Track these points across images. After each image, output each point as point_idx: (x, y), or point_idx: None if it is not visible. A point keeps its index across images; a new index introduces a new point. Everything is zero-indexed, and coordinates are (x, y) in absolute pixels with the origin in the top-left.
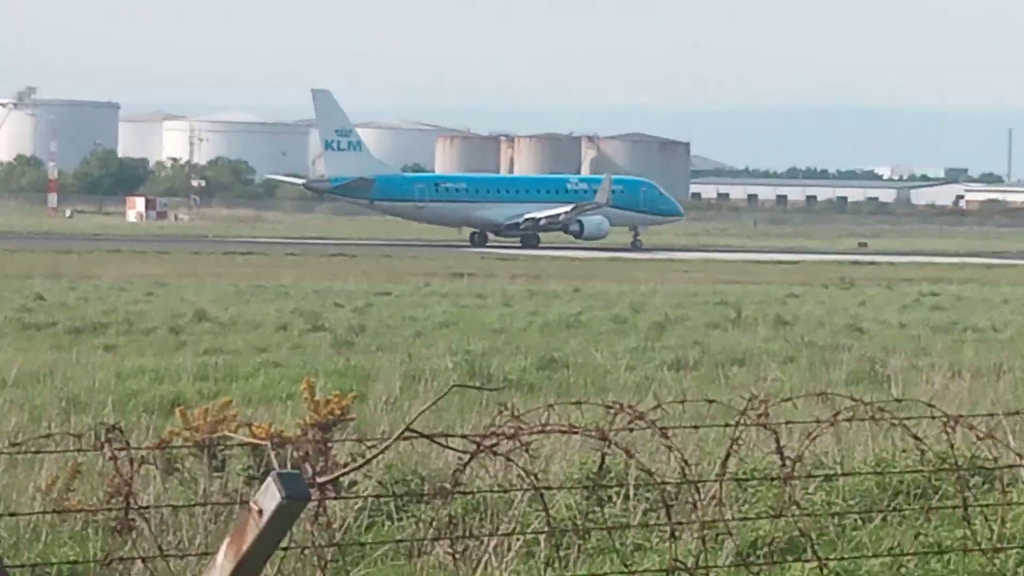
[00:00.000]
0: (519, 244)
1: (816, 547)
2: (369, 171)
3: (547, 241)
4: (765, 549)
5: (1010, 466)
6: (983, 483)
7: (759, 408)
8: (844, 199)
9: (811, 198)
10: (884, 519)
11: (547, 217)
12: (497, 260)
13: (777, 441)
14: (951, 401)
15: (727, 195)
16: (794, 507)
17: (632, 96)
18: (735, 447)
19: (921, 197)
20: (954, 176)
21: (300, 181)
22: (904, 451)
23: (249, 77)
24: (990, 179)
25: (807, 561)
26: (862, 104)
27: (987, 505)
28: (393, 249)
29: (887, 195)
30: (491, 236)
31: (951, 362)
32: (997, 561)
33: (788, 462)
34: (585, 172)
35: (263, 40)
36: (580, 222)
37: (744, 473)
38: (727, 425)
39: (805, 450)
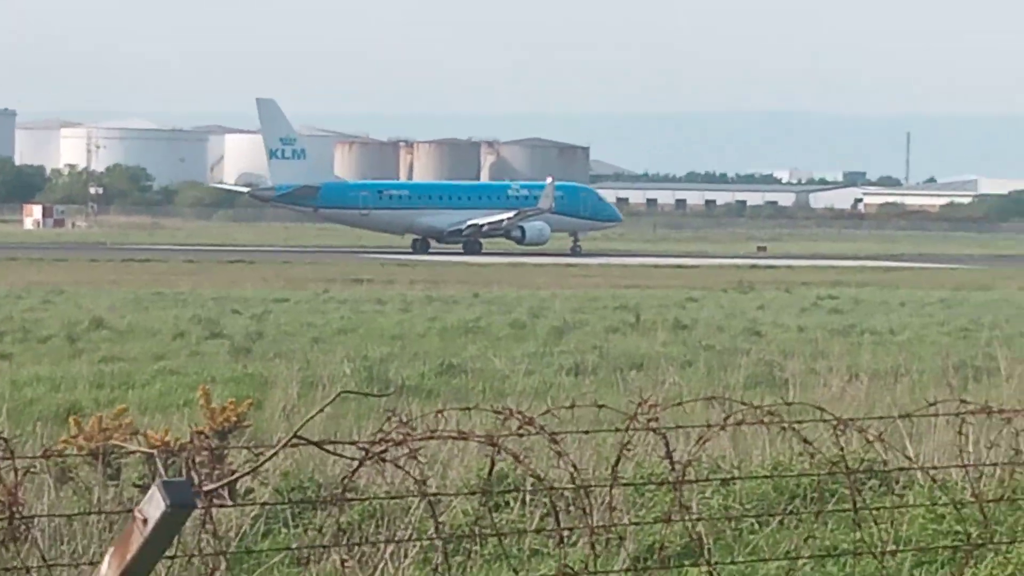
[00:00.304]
0: (461, 250)
1: (712, 551)
2: (313, 179)
3: (490, 247)
4: (661, 554)
5: (901, 469)
6: (879, 486)
7: (650, 413)
8: (743, 203)
9: (710, 202)
10: (780, 523)
11: (490, 223)
12: (397, 266)
13: (667, 445)
14: (848, 404)
15: (626, 199)
16: (687, 511)
17: (532, 101)
18: (627, 452)
19: (820, 201)
20: (852, 180)
21: (245, 189)
22: (800, 455)
23: (147, 84)
24: (888, 182)
25: (702, 565)
26: (760, 108)
27: (880, 508)
28: (292, 255)
29: (786, 199)
30: (433, 243)
31: (849, 365)
32: (892, 563)
33: (678, 466)
34: (484, 178)
35: (162, 46)
36: (522, 228)
37: (641, 478)
38: (617, 430)
39: (698, 454)
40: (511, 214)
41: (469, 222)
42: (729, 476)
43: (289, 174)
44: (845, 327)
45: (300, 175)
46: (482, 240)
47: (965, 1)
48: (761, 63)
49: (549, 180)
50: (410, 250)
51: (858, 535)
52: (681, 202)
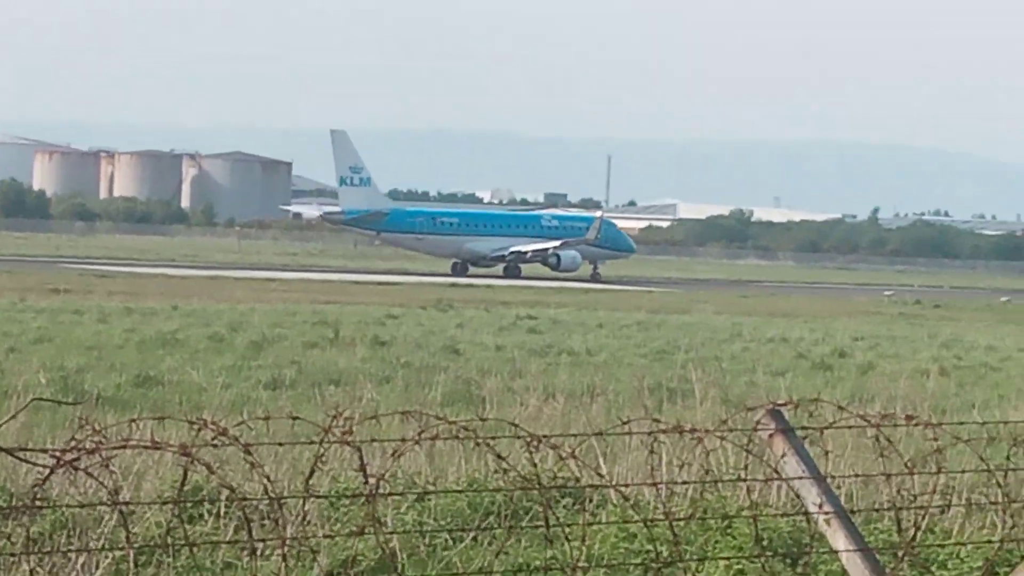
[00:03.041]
0: (501, 274)
1: (405, 566)
2: (376, 205)
3: (528, 271)
4: (356, 569)
5: (593, 486)
6: (573, 504)
7: (345, 426)
8: None
9: None
10: (474, 539)
11: (534, 251)
12: (95, 277)
13: (361, 459)
14: (545, 423)
15: None
16: (382, 526)
17: (236, 115)
18: (321, 465)
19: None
20: (553, 200)
21: (317, 214)
22: (495, 472)
23: None
24: (589, 204)
25: None
26: (464, 128)
27: (572, 525)
28: None
29: None
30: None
31: (546, 384)
32: None
33: (373, 480)
34: (187, 190)
35: None
36: (558, 256)
37: (335, 491)
38: (312, 443)
39: (393, 468)
40: (556, 243)
41: (511, 249)
42: (424, 491)
43: (356, 200)
44: (543, 347)
45: (365, 201)
46: (521, 265)
47: (666, 28)
48: (466, 82)
49: (599, 214)
50: (449, 272)
51: (550, 552)
52: None
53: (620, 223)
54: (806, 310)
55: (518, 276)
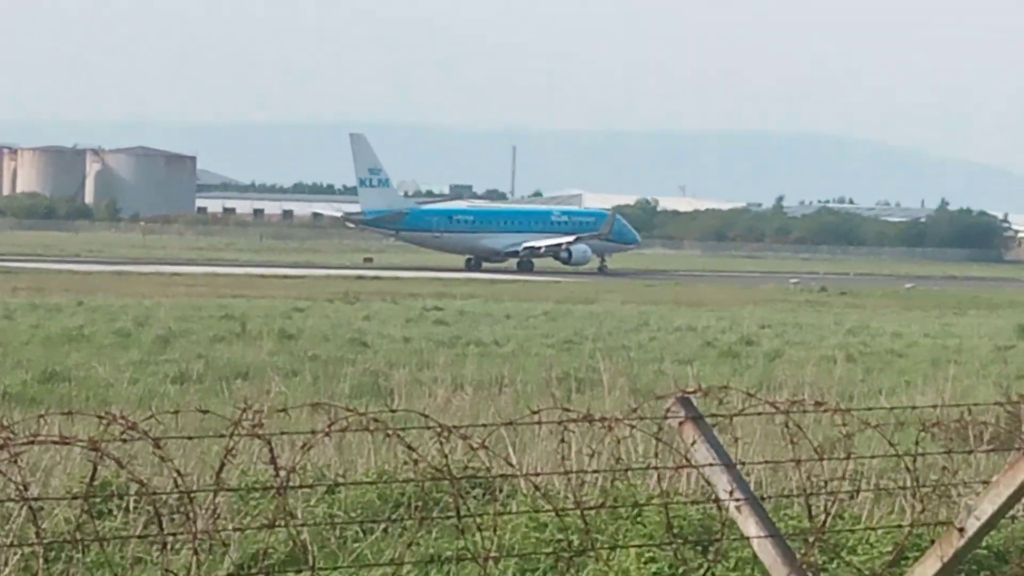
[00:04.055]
0: (516, 269)
1: (316, 558)
2: (394, 205)
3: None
4: (267, 562)
5: (503, 476)
6: (483, 494)
7: (254, 419)
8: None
9: (317, 214)
10: (385, 530)
11: (547, 246)
12: (0, 273)
13: (271, 451)
14: (454, 414)
15: (233, 210)
16: (292, 518)
17: (139, 109)
18: (231, 458)
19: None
20: (458, 192)
21: (339, 214)
22: (405, 463)
23: None
24: (495, 196)
25: (306, 572)
26: (371, 120)
27: (483, 515)
28: None
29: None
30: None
31: (454, 376)
32: (495, 571)
33: (283, 473)
34: (90, 185)
35: None
36: (569, 250)
37: (245, 485)
38: (221, 436)
39: (303, 461)
40: (570, 238)
41: (525, 244)
42: (334, 483)
43: (376, 200)
44: (451, 338)
45: (383, 201)
46: (534, 260)
47: (571, 18)
48: (373, 74)
49: (611, 211)
50: (463, 268)
51: (461, 543)
52: (288, 213)
53: None
54: (713, 299)
55: (531, 270)
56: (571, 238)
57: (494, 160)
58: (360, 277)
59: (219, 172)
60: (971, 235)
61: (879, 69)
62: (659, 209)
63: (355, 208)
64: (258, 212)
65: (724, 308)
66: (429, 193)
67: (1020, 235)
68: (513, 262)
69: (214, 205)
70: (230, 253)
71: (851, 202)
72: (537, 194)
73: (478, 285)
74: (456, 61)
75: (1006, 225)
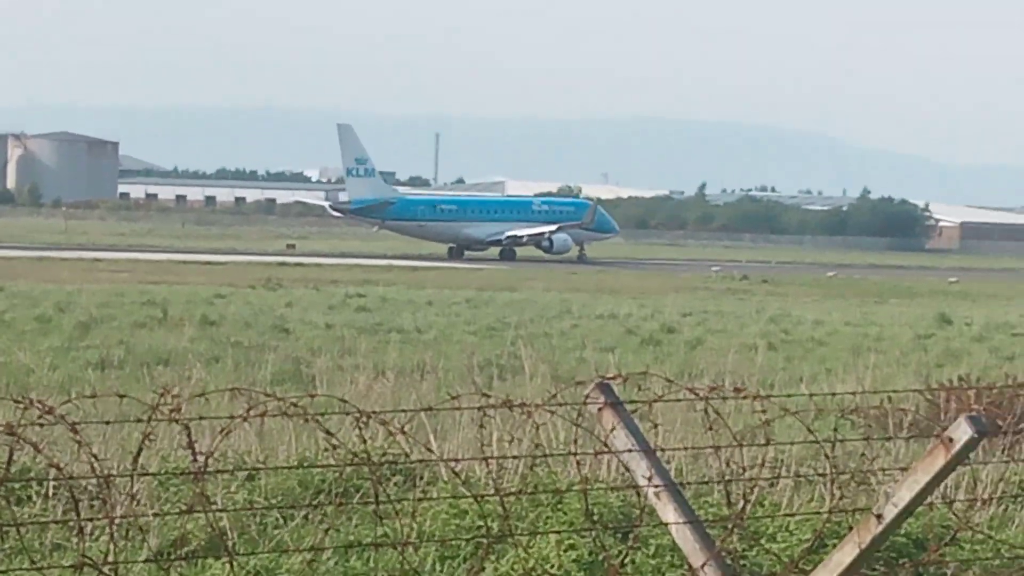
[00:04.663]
0: (497, 257)
1: (235, 544)
2: (381, 194)
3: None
4: (186, 548)
5: (423, 461)
6: (403, 481)
7: (172, 404)
8: (273, 201)
9: (240, 199)
10: (305, 517)
11: (530, 235)
12: None
13: (189, 436)
14: (375, 401)
15: (155, 195)
16: (211, 504)
17: (61, 93)
18: (149, 443)
19: (341, 198)
20: (382, 179)
21: (326, 203)
22: (325, 450)
23: None
24: (418, 182)
25: (224, 558)
26: (293, 106)
27: (403, 501)
28: None
29: (315, 197)
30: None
31: (375, 363)
32: (415, 557)
33: (201, 458)
34: (12, 170)
35: None
36: (551, 239)
37: (164, 470)
38: (139, 420)
39: (222, 446)
40: (552, 227)
41: (508, 233)
42: (254, 469)
43: (362, 190)
44: (372, 325)
45: (369, 191)
46: (516, 249)
47: (495, 6)
48: (296, 60)
49: (592, 202)
50: (446, 256)
51: (381, 529)
52: (211, 199)
53: None
54: (635, 286)
55: (513, 259)
56: (553, 227)
57: (417, 148)
58: (283, 264)
59: (141, 158)
60: (892, 224)
61: (799, 58)
62: (581, 197)
63: (273, 195)
64: (180, 198)
65: (646, 296)
66: None
67: (941, 224)
68: (495, 251)
69: (136, 191)
70: (152, 239)
71: (773, 190)
72: (460, 181)
73: (400, 272)
74: (382, 50)
75: (927, 214)
